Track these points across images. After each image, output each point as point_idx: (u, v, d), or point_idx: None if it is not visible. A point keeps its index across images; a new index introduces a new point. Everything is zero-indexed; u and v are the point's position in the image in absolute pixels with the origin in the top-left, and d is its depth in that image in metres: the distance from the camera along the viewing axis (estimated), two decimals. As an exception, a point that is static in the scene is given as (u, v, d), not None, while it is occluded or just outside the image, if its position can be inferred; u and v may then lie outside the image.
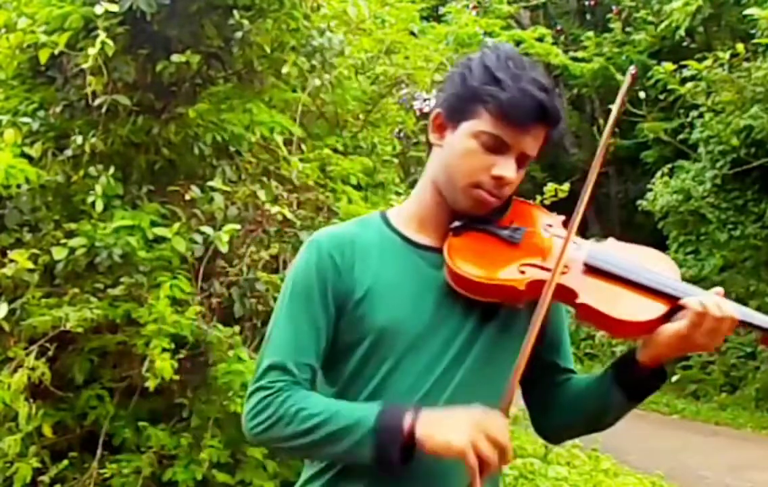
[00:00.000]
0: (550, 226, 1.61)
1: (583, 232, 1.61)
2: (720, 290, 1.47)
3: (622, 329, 1.52)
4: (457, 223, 1.56)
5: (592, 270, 1.52)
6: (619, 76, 13.95)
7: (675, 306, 1.45)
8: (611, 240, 1.67)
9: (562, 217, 1.64)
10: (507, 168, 1.50)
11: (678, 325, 1.42)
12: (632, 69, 1.60)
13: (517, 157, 1.52)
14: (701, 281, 11.23)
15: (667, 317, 1.45)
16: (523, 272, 1.51)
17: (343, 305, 1.50)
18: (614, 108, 1.57)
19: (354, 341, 1.50)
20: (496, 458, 1.34)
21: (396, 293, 1.51)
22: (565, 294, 1.51)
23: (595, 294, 1.49)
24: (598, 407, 1.57)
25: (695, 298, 1.43)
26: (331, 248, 1.53)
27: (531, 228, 1.60)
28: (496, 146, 1.50)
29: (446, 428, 1.36)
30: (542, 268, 1.51)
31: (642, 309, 1.48)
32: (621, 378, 1.52)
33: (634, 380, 1.50)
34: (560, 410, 1.62)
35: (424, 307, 1.51)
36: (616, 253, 1.57)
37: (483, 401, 1.42)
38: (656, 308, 1.47)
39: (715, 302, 1.42)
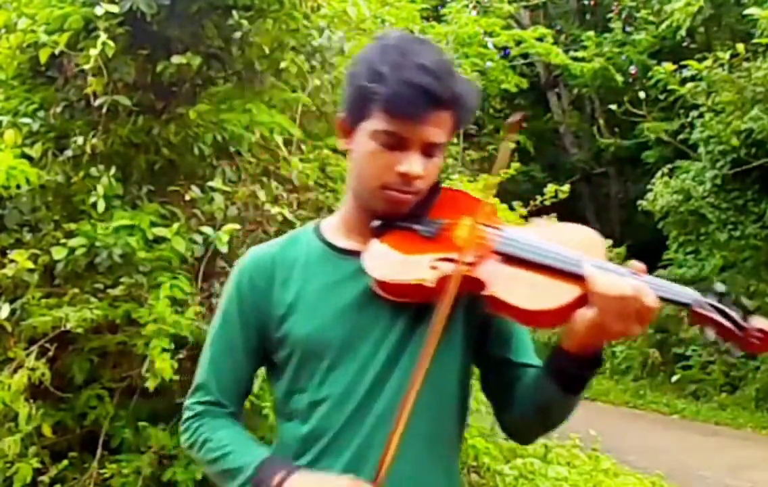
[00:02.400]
0: (478, 215, 1.48)
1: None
2: (638, 264, 1.33)
3: (532, 319, 1.37)
4: (376, 223, 1.49)
5: (507, 258, 1.39)
6: (618, 77, 13.99)
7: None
8: (540, 220, 1.56)
9: (490, 204, 1.54)
10: (411, 163, 1.43)
11: (591, 311, 1.29)
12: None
13: (421, 148, 1.43)
14: (701, 281, 11.23)
15: (583, 301, 1.30)
16: (434, 268, 1.41)
17: (267, 324, 1.53)
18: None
19: (285, 356, 1.52)
20: None
21: (318, 304, 1.50)
22: (474, 286, 1.39)
23: (504, 284, 1.36)
24: (542, 402, 1.45)
25: (597, 272, 1.28)
26: (252, 271, 1.56)
27: (451, 220, 1.48)
28: (395, 143, 1.42)
29: None
30: (455, 262, 1.40)
31: (550, 295, 1.33)
32: (553, 369, 1.40)
33: (566, 371, 1.38)
34: (516, 407, 1.52)
35: (349, 313, 1.48)
36: (534, 236, 1.42)
37: (427, 399, 1.41)
38: (568, 293, 1.32)
39: (619, 281, 1.26)
